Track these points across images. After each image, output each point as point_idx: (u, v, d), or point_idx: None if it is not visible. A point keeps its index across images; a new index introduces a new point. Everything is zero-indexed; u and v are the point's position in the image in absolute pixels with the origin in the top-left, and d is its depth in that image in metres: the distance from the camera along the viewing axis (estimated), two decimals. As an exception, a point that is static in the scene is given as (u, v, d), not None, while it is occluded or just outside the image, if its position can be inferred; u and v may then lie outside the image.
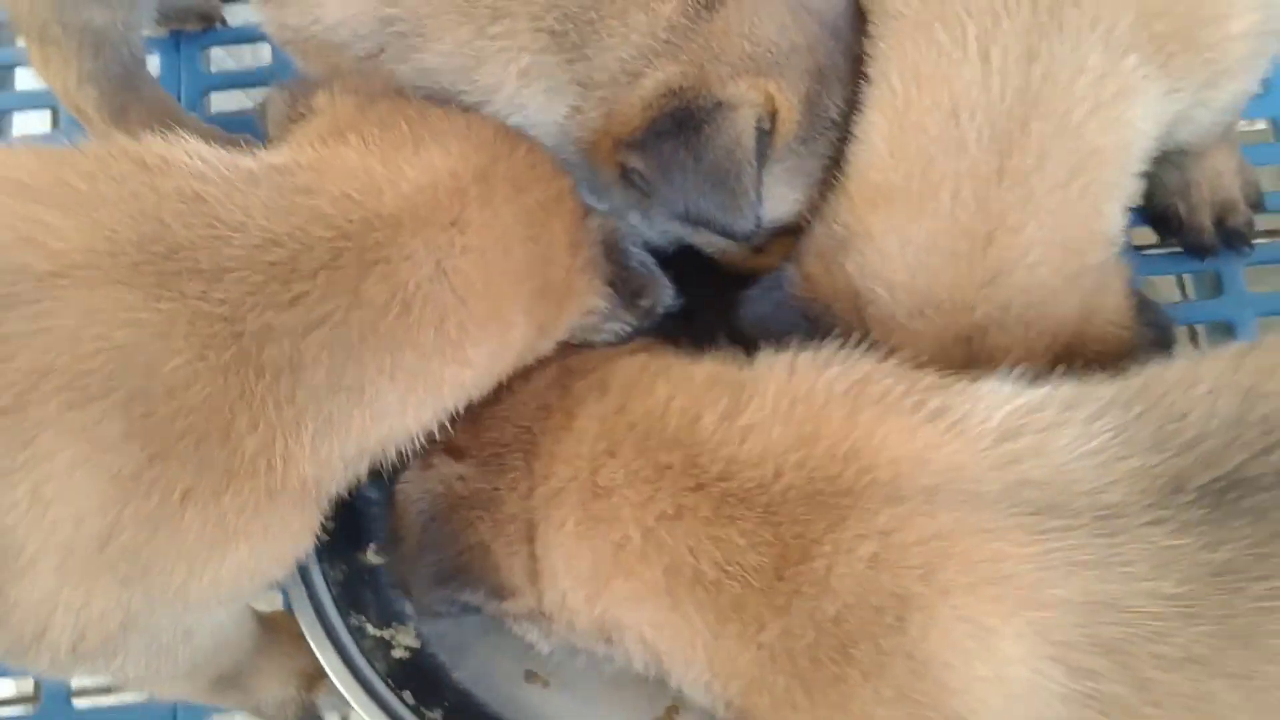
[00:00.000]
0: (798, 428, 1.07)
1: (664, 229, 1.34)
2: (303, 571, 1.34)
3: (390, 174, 1.10)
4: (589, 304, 1.23)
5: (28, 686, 1.56)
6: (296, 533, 1.11)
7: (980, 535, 1.00)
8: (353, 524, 1.45)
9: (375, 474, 1.17)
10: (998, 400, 1.06)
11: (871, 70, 1.26)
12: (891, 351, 1.15)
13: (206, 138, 1.62)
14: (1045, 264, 1.17)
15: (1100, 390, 1.07)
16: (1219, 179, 1.61)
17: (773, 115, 1.24)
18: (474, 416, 1.19)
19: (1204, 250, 1.64)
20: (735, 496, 1.06)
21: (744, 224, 1.23)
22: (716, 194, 1.21)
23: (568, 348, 1.25)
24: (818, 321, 1.24)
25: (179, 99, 1.79)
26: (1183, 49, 1.18)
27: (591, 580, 1.11)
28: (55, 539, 0.98)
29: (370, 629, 1.41)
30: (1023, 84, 1.15)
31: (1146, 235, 1.68)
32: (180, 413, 0.99)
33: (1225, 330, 1.64)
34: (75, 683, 1.51)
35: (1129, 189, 1.22)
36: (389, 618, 1.44)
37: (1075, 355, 1.19)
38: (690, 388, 1.13)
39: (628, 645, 1.13)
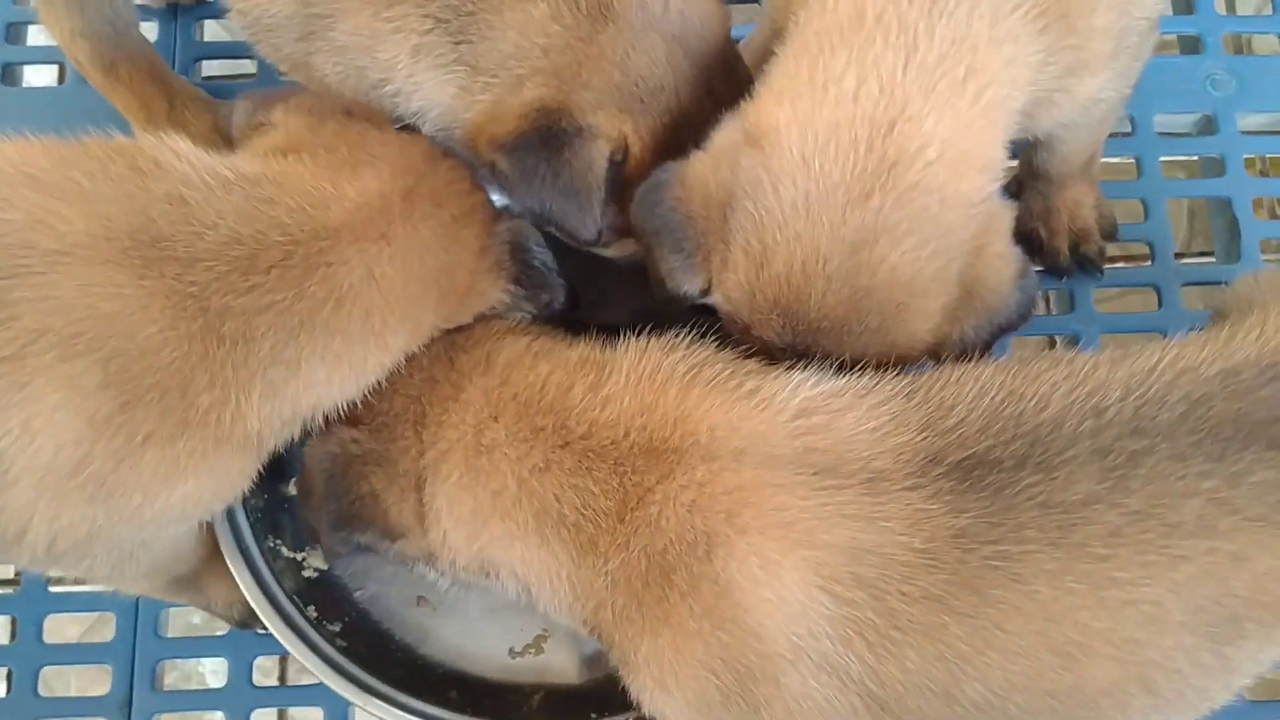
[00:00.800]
0: (642, 398, 1.26)
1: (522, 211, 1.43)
2: None
3: (335, 192, 1.27)
4: (492, 298, 1.40)
5: (8, 572, 1.78)
6: (236, 475, 1.28)
7: (772, 488, 1.18)
8: (275, 459, 1.63)
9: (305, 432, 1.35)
10: (803, 385, 1.24)
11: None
12: (735, 341, 1.30)
13: (192, 97, 1.83)
14: (942, 163, 1.18)
15: (891, 383, 1.25)
16: (1078, 209, 1.77)
17: (625, 149, 1.35)
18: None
19: (1060, 272, 1.80)
20: (593, 451, 1.24)
21: (587, 235, 1.36)
22: (567, 206, 1.34)
23: None
24: (678, 231, 1.29)
25: (173, 64, 1.92)
26: (1057, 24, 1.24)
27: (471, 522, 1.28)
28: (37, 462, 1.14)
29: (285, 551, 1.61)
30: (928, 3, 1.18)
31: (1013, 254, 1.86)
32: (150, 370, 1.16)
33: (1075, 343, 1.80)
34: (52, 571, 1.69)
35: (1010, 128, 1.25)
36: (302, 542, 1.63)
37: (959, 290, 1.24)
38: (566, 365, 1.30)
39: (503, 578, 1.31)
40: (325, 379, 1.27)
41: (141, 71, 1.78)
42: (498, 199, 1.45)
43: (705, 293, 1.33)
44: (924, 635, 1.15)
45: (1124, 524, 1.13)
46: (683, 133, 1.36)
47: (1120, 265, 1.87)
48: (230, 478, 1.28)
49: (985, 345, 1.30)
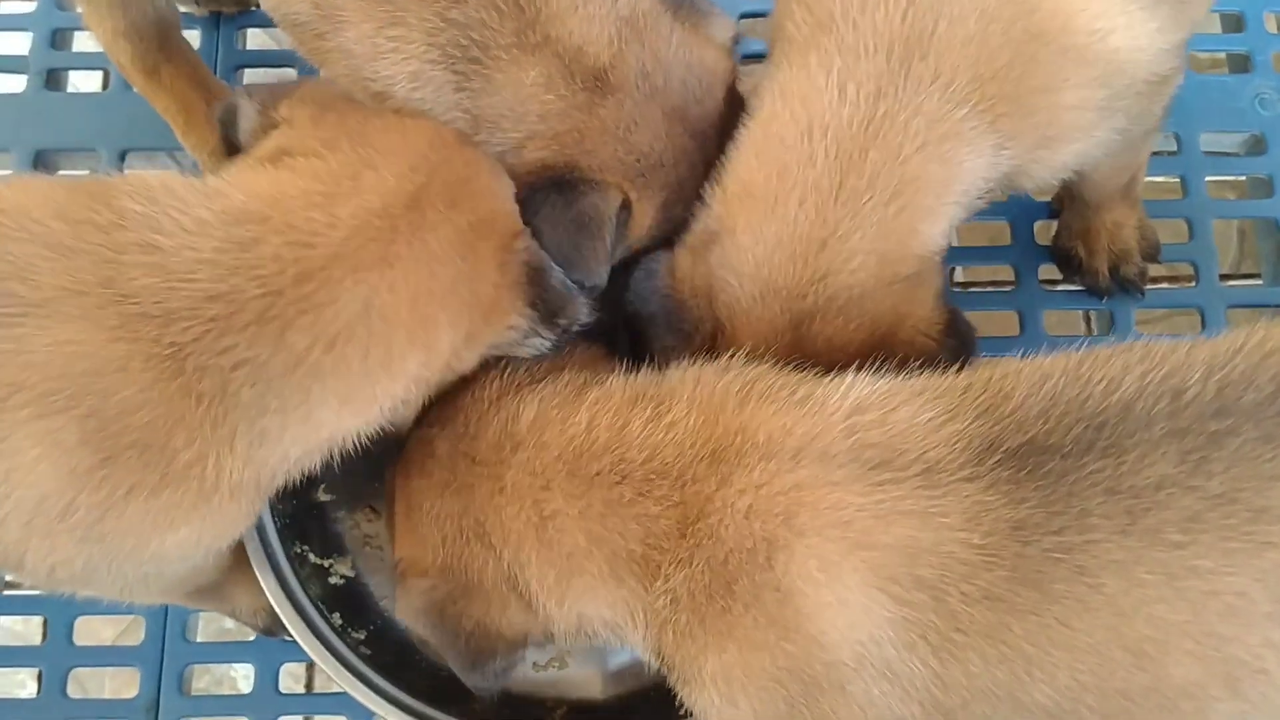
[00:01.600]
0: (704, 416, 1.24)
1: None
2: None
3: (326, 220, 1.20)
4: (511, 320, 1.31)
5: None
6: (232, 521, 1.25)
7: (828, 486, 1.16)
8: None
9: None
10: (856, 384, 1.23)
11: (760, 82, 1.38)
12: (750, 349, 1.31)
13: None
14: (864, 269, 1.30)
15: (949, 378, 1.23)
16: (1118, 230, 1.75)
17: (628, 211, 1.36)
18: (409, 523, 1.34)
19: (1100, 292, 1.78)
20: (656, 472, 1.22)
21: (595, 277, 1.35)
22: (578, 241, 1.33)
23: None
24: (674, 315, 1.38)
25: (215, 71, 1.92)
26: (1011, 111, 1.29)
27: (557, 587, 1.26)
28: (23, 507, 1.14)
29: (312, 557, 1.61)
30: (868, 117, 1.27)
31: (1054, 272, 1.83)
32: (127, 430, 1.13)
33: None
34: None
35: (950, 215, 1.33)
36: (330, 549, 1.64)
37: (886, 350, 1.31)
38: (611, 406, 1.28)
39: (596, 629, 1.29)
40: (334, 418, 1.23)
41: (183, 75, 1.79)
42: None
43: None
44: (986, 637, 1.12)
45: (1204, 509, 1.08)
46: (676, 206, 1.39)
47: (1164, 286, 1.85)
48: (225, 524, 1.25)
49: None
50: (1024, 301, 1.83)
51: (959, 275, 1.88)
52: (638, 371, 1.34)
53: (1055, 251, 1.81)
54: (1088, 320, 1.90)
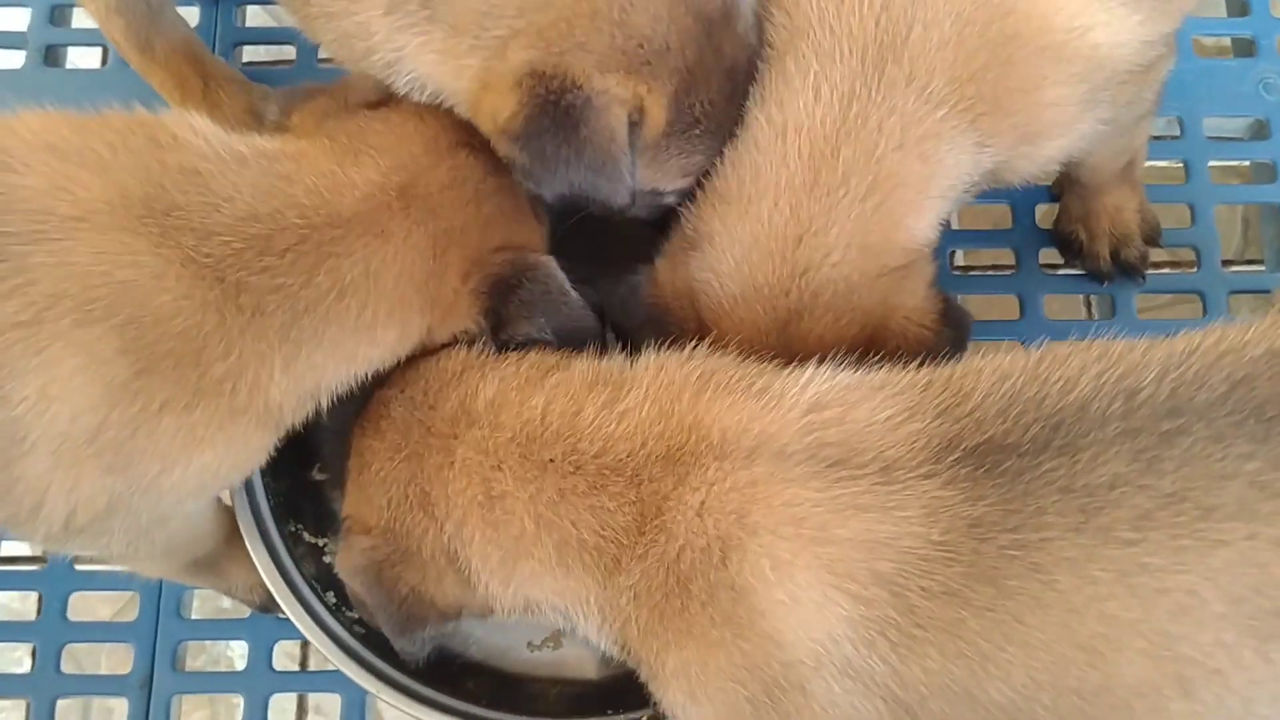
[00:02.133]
0: (659, 407, 1.23)
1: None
2: (247, 483, 1.53)
3: (346, 178, 1.28)
4: (465, 325, 1.37)
5: (36, 549, 1.76)
6: (254, 448, 1.28)
7: (783, 483, 1.16)
8: (300, 445, 1.60)
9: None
10: (815, 379, 1.23)
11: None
12: (738, 349, 1.30)
13: (227, 78, 1.83)
14: (847, 263, 1.32)
15: (908, 374, 1.23)
16: (1119, 213, 1.74)
17: (640, 111, 1.27)
18: (359, 481, 1.36)
19: (1100, 276, 1.78)
20: (609, 468, 1.21)
21: (620, 201, 1.31)
22: (596, 179, 1.27)
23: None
24: (661, 320, 1.40)
25: (213, 48, 1.93)
26: (990, 111, 1.30)
27: (502, 569, 1.26)
28: (55, 429, 1.14)
29: (306, 536, 1.61)
30: (840, 117, 1.29)
31: (1055, 256, 1.82)
32: (164, 337, 1.16)
33: None
34: (78, 549, 1.73)
35: (935, 208, 1.35)
36: (324, 528, 1.63)
37: (879, 344, 1.33)
38: (568, 390, 1.27)
39: (545, 611, 1.29)
40: (322, 364, 1.27)
41: (177, 51, 1.78)
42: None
43: None
44: (944, 632, 1.11)
45: (1155, 507, 1.08)
46: (691, 100, 1.31)
47: (1166, 271, 1.83)
48: (249, 450, 1.28)
49: None
50: (1024, 286, 1.82)
51: (959, 259, 1.87)
52: (606, 357, 1.33)
53: (1056, 235, 1.80)
54: (1088, 305, 1.89)
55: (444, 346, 1.38)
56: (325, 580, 1.57)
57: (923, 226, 1.35)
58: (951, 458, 1.14)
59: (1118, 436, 1.11)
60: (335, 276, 1.25)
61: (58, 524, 1.22)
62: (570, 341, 1.36)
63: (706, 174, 1.37)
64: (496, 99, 1.26)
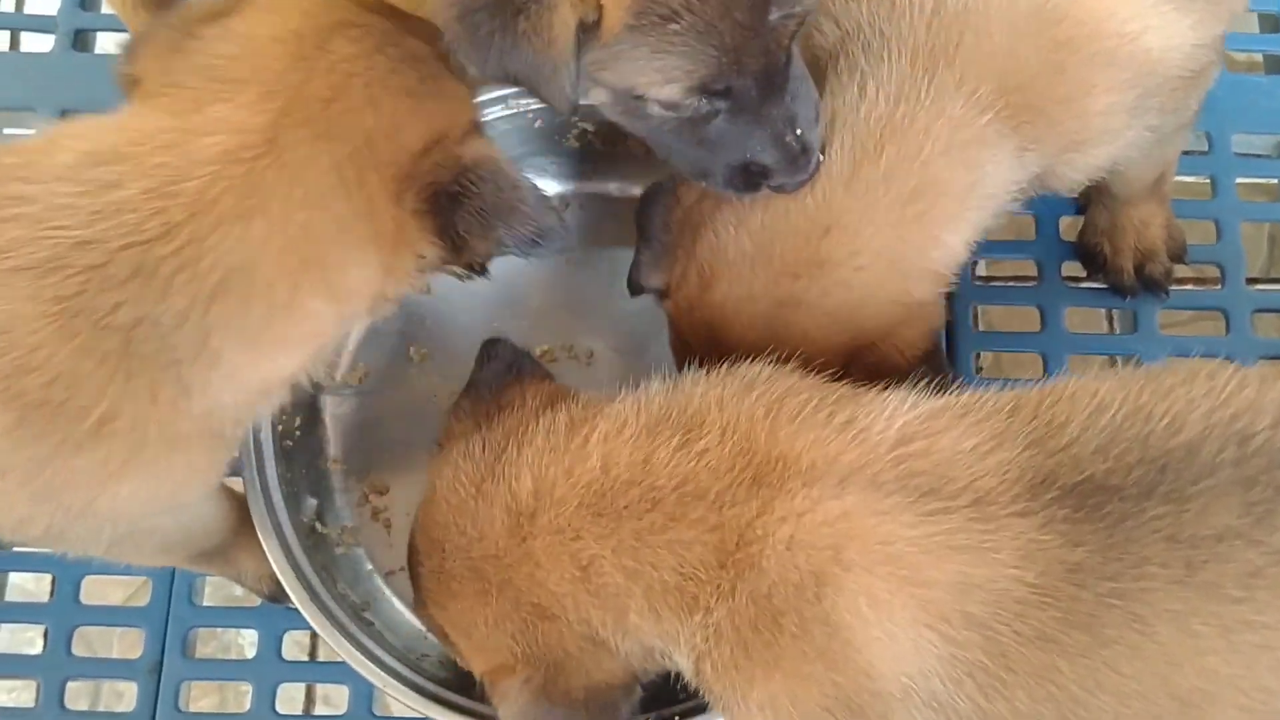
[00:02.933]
0: (738, 445, 1.20)
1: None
2: (260, 472, 1.54)
3: (181, 166, 1.10)
4: (420, 250, 1.21)
5: None
6: (184, 472, 1.21)
7: (876, 517, 1.13)
8: (317, 436, 1.67)
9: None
10: (898, 410, 1.19)
11: None
12: (802, 363, 1.27)
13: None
14: (870, 272, 1.31)
15: (992, 399, 1.20)
16: (1145, 228, 1.73)
17: (599, 8, 1.15)
18: (473, 644, 1.28)
19: (1124, 291, 1.76)
20: (690, 494, 1.18)
21: (560, 106, 1.21)
22: (533, 76, 1.17)
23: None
24: (666, 248, 1.40)
25: None
26: (1035, 119, 1.30)
27: (618, 629, 1.22)
28: None
29: (317, 526, 1.62)
30: (887, 116, 1.29)
31: (1078, 269, 1.81)
32: (28, 389, 1.10)
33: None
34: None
35: (973, 223, 1.34)
36: (336, 519, 1.64)
37: (856, 359, 1.33)
38: (627, 438, 1.22)
39: (660, 659, 1.26)
40: (250, 363, 1.18)
41: None
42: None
43: (662, 294, 1.44)
44: (1035, 676, 1.10)
45: (1266, 564, 1.06)
46: None
47: (1190, 288, 1.82)
48: (177, 475, 1.21)
49: None
50: (1046, 297, 1.81)
51: (981, 269, 1.85)
52: (636, 393, 1.28)
53: (1080, 247, 1.79)
54: (1110, 319, 1.88)
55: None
56: (334, 571, 1.58)
57: (956, 243, 1.34)
58: (1048, 496, 1.12)
59: (1229, 486, 1.08)
60: (194, 287, 1.11)
61: (8, 534, 1.23)
62: (537, 251, 1.24)
63: None
64: None
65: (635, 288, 1.47)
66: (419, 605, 1.36)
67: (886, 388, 1.24)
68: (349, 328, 1.24)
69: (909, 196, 1.30)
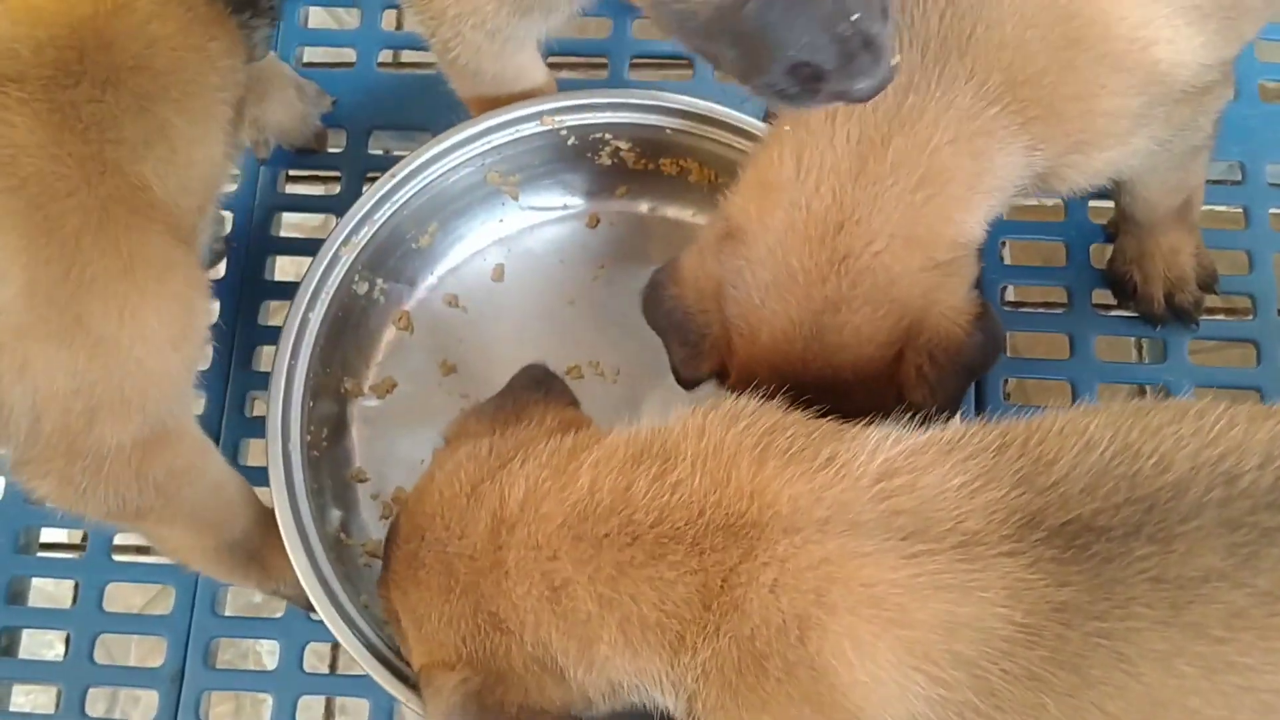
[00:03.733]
0: (713, 476, 1.20)
1: None
2: (288, 481, 1.54)
3: None
4: (212, 33, 1.36)
5: (75, 536, 1.79)
6: (177, 270, 1.31)
7: (859, 560, 1.13)
8: (344, 448, 1.68)
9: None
10: (882, 444, 1.19)
11: None
12: (786, 398, 1.27)
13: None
14: (889, 253, 1.30)
15: (979, 435, 1.19)
16: (1174, 256, 1.72)
17: None
18: (421, 634, 1.29)
19: (1154, 319, 1.76)
20: (667, 535, 1.18)
21: None
22: None
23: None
24: (683, 325, 1.40)
25: (274, 48, 1.89)
26: (1043, 115, 1.29)
27: (583, 659, 1.22)
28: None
29: (342, 537, 1.63)
30: (894, 106, 1.28)
31: (1107, 296, 1.80)
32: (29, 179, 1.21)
33: (1165, 395, 1.72)
34: (117, 539, 1.74)
35: (983, 206, 1.33)
36: (360, 530, 1.65)
37: (913, 339, 1.33)
38: (614, 464, 1.23)
39: (629, 694, 1.25)
40: (169, 156, 1.31)
41: None
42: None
43: (720, 374, 1.44)
44: (1023, 715, 1.10)
45: (1249, 605, 1.06)
46: None
47: (1220, 318, 1.81)
48: (173, 275, 1.30)
49: (958, 390, 1.37)
50: (1075, 325, 1.80)
51: (1010, 294, 1.85)
52: (640, 424, 1.29)
53: (1110, 276, 1.78)
54: (1139, 348, 1.87)
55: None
56: (359, 583, 1.58)
57: (971, 222, 1.33)
58: (1035, 537, 1.11)
59: (1215, 527, 1.08)
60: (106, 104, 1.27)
61: (24, 426, 1.24)
62: None
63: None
64: None
65: (689, 383, 1.45)
66: (381, 584, 1.37)
67: (871, 423, 1.24)
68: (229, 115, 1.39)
69: (916, 184, 1.29)
